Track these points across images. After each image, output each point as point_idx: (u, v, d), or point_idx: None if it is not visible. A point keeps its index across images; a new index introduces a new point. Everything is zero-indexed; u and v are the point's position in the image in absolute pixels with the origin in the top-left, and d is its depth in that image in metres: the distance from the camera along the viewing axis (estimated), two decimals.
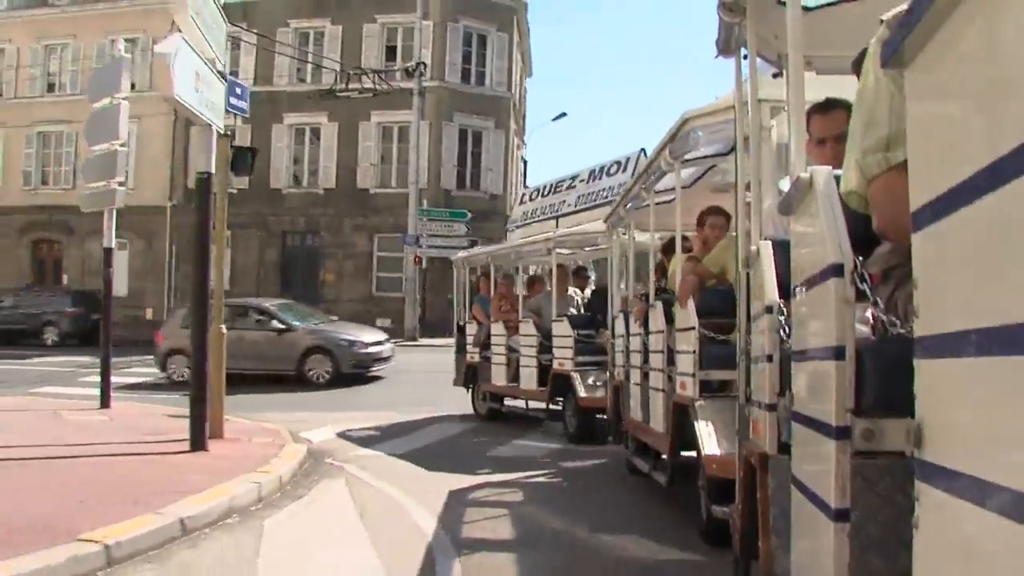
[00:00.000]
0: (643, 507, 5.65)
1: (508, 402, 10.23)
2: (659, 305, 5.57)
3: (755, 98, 3.16)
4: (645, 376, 5.95)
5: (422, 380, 13.20)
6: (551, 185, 12.81)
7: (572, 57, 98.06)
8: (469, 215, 24.44)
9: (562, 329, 8.66)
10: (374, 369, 14.50)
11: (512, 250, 11.19)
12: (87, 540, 3.93)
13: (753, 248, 2.83)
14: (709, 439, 4.47)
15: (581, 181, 11.74)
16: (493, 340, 10.16)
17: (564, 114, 47.83)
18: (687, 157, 5.30)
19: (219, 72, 7.07)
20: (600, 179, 11.16)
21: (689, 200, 5.88)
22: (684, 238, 5.80)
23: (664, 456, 5.38)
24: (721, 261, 4.96)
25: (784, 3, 2.40)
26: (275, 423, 8.70)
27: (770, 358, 2.45)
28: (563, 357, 8.58)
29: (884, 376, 1.56)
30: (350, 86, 22.26)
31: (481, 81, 27.19)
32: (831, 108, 2.64)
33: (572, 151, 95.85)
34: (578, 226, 10.05)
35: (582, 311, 9.82)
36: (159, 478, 5.60)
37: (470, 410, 10.59)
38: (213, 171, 6.97)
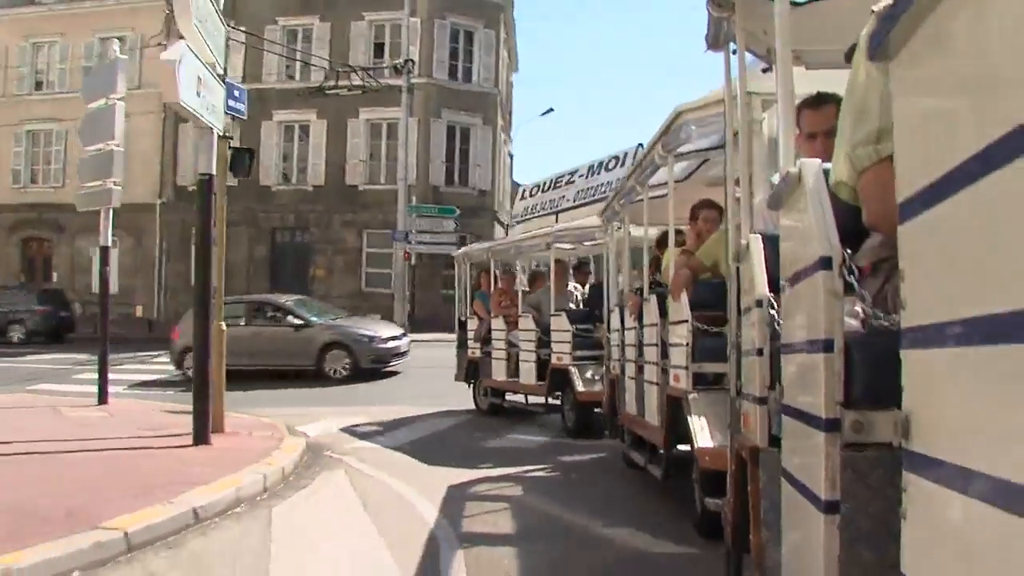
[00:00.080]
0: (639, 500, 5.67)
1: (509, 397, 10.25)
2: (653, 298, 5.57)
3: (744, 93, 3.17)
4: (640, 370, 5.95)
5: (437, 375, 13.12)
6: (551, 180, 12.82)
7: (557, 52, 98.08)
8: (458, 211, 24.47)
9: (560, 324, 8.68)
10: (392, 364, 14.54)
11: (511, 245, 11.19)
12: (108, 528, 4.15)
13: (743, 242, 2.84)
14: (702, 432, 4.48)
15: (580, 176, 11.75)
16: (493, 335, 10.17)
17: (551, 109, 47.93)
18: (681, 151, 5.30)
19: (219, 75, 7.20)
20: (598, 174, 11.17)
21: (684, 194, 5.88)
22: (679, 232, 5.81)
23: (659, 449, 5.39)
24: (714, 254, 4.96)
25: None
26: (293, 416, 8.94)
27: (760, 352, 2.46)
28: (561, 352, 8.60)
29: (873, 368, 1.57)
30: (339, 83, 22.24)
31: (468, 78, 27.26)
32: (821, 103, 2.65)
33: (559, 146, 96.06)
34: (576, 221, 10.06)
35: (582, 306, 9.81)
36: (167, 470, 5.77)
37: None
38: (214, 172, 7.11)
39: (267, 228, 26.75)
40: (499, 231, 28.92)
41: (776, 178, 2.82)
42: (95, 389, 9.62)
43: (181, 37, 6.40)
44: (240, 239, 26.23)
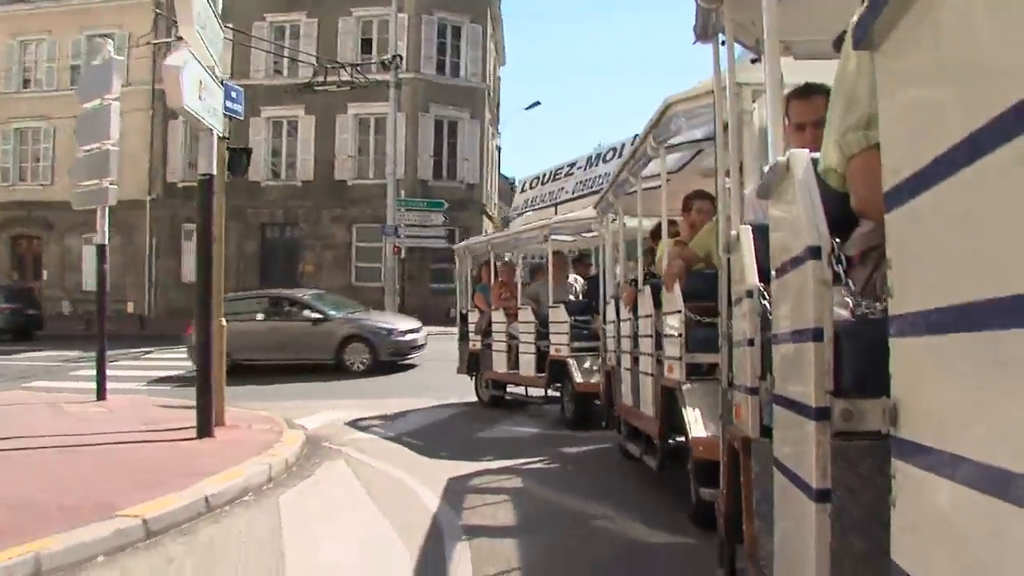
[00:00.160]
0: (635, 491, 5.69)
1: (510, 389, 10.29)
2: (647, 290, 5.58)
3: (733, 84, 3.17)
4: (635, 361, 5.97)
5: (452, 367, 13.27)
6: (550, 173, 12.85)
7: (545, 45, 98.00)
8: (446, 205, 24.51)
9: (558, 315, 8.70)
10: (410, 357, 14.64)
11: (510, 237, 11.23)
12: (127, 515, 4.37)
13: (733, 233, 2.84)
14: (696, 422, 4.49)
15: (579, 168, 11.77)
16: (494, 328, 10.20)
17: (538, 103, 47.78)
18: (674, 142, 5.30)
19: (217, 78, 7.31)
20: (596, 166, 11.18)
21: (679, 185, 5.89)
22: (673, 223, 5.81)
23: (654, 440, 5.41)
24: (707, 245, 4.97)
25: None
26: (291, 409, 9.12)
27: (751, 342, 2.46)
28: (559, 343, 8.61)
29: (862, 357, 1.57)
30: (328, 80, 22.21)
31: (456, 72, 27.31)
32: (810, 93, 2.64)
33: (546, 139, 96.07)
34: (573, 213, 10.07)
35: (581, 297, 9.83)
36: (175, 462, 5.95)
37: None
38: (214, 173, 7.24)
39: (256, 224, 26.69)
40: (487, 224, 28.98)
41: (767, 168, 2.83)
42: (91, 385, 9.68)
43: (179, 37, 6.56)
44: (229, 235, 25.90)
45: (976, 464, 0.87)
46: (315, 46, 25.62)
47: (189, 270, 27.44)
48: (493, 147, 32.83)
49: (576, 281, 10.29)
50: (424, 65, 26.46)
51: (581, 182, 11.46)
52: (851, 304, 1.75)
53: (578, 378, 8.24)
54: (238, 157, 8.28)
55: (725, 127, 3.26)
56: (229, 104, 7.89)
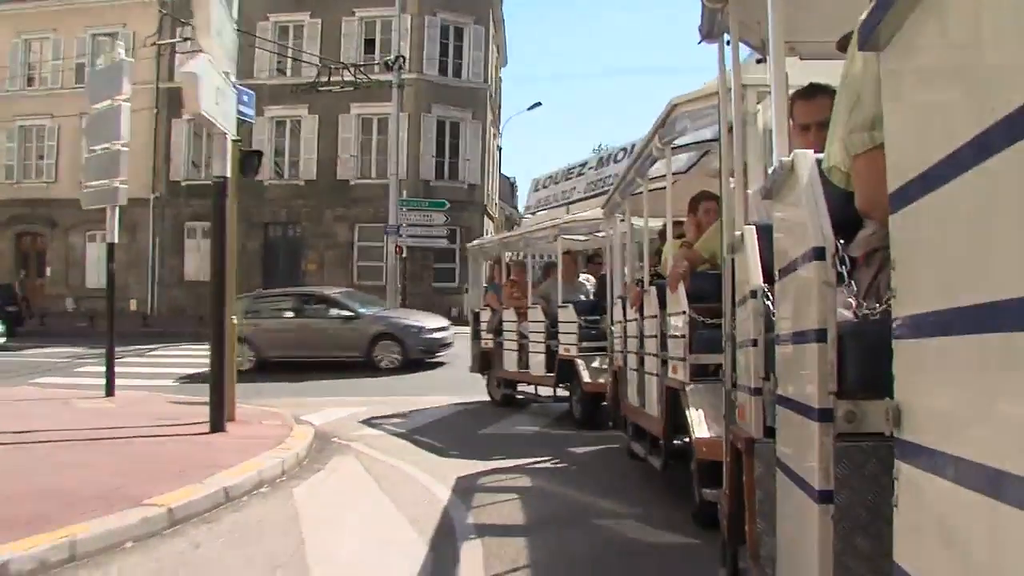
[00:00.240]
0: (640, 491, 5.71)
1: (521, 387, 10.33)
2: (653, 290, 5.57)
3: (738, 83, 3.16)
4: (641, 361, 5.97)
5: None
6: (562, 172, 12.92)
7: (545, 45, 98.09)
8: (448, 204, 24.54)
9: (567, 315, 8.70)
10: (439, 354, 14.70)
11: (521, 237, 11.27)
12: (152, 504, 4.58)
13: (737, 233, 2.84)
14: (699, 423, 4.49)
15: (590, 168, 11.85)
16: (505, 326, 10.22)
17: (539, 103, 47.83)
18: (682, 142, 5.31)
19: (231, 83, 7.44)
20: (607, 166, 11.23)
21: (687, 186, 5.90)
22: (679, 223, 5.81)
23: (659, 440, 5.41)
24: (712, 246, 4.96)
25: None
26: (299, 406, 9.26)
27: (755, 342, 2.46)
28: (568, 343, 8.62)
29: (866, 358, 1.57)
30: (331, 80, 22.26)
31: (458, 73, 27.37)
32: (815, 94, 2.64)
33: (547, 138, 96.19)
34: (583, 212, 10.08)
35: (592, 297, 9.85)
36: (191, 455, 6.14)
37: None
38: (229, 175, 7.41)
39: (259, 223, 26.73)
40: (488, 224, 29.10)
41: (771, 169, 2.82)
42: (97, 381, 9.79)
43: (187, 39, 6.69)
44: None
45: (979, 466, 0.87)
46: (319, 46, 25.67)
47: (192, 268, 27.57)
48: (494, 147, 32.90)
49: (588, 281, 10.29)
50: (427, 66, 26.51)
51: (592, 182, 11.53)
52: (854, 305, 1.75)
53: (586, 378, 8.24)
54: (250, 159, 8.44)
55: (730, 128, 3.25)
56: (241, 107, 8.02)
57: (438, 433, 8.20)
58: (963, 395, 0.94)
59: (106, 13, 27.49)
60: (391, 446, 7.46)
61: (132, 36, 25.88)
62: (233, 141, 7.58)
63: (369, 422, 8.84)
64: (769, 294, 2.37)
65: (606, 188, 10.40)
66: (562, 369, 8.75)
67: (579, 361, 8.36)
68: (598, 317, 8.60)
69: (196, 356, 16.49)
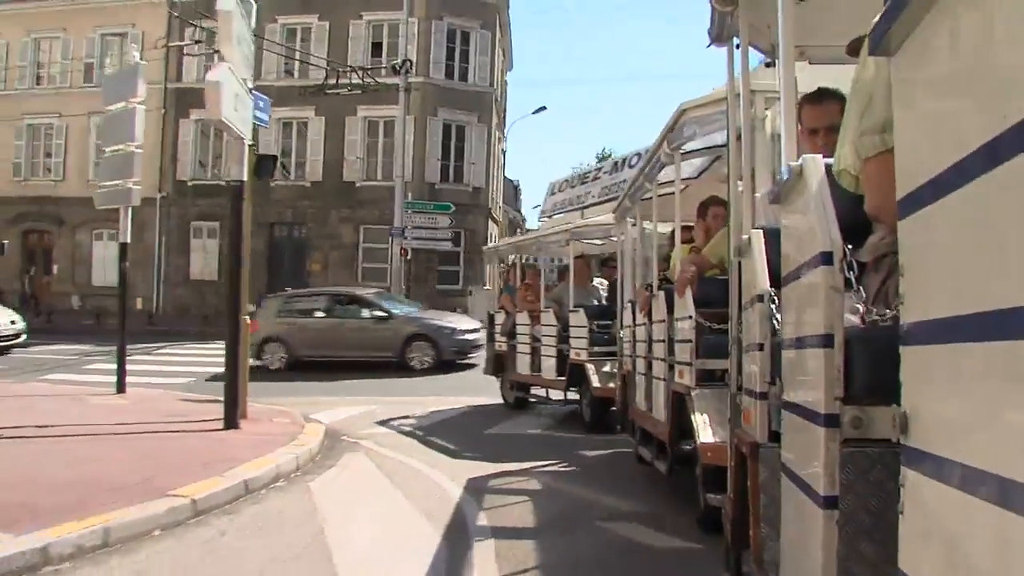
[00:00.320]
0: (646, 495, 5.72)
1: (534, 391, 10.34)
2: (661, 295, 5.57)
3: (747, 87, 3.16)
4: (649, 365, 5.97)
5: None
6: (577, 177, 13.01)
7: (550, 48, 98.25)
8: (452, 207, 24.62)
9: (578, 319, 8.71)
10: (471, 355, 14.74)
11: (535, 240, 11.30)
12: (177, 495, 4.79)
13: (745, 237, 2.83)
14: (704, 428, 4.48)
15: (605, 173, 11.91)
16: (518, 330, 10.26)
17: (544, 108, 48.07)
18: (693, 147, 5.30)
19: (248, 89, 7.64)
20: (622, 170, 11.26)
21: (699, 191, 5.92)
22: (689, 228, 5.80)
23: (666, 445, 5.41)
24: (721, 251, 4.94)
25: None
26: (309, 405, 9.42)
27: (761, 347, 2.46)
28: (579, 347, 8.63)
29: (872, 364, 1.56)
30: (339, 83, 22.36)
31: (464, 77, 27.48)
32: (823, 98, 2.64)
33: (551, 142, 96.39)
34: (596, 217, 10.12)
35: (604, 302, 9.85)
36: (208, 450, 6.31)
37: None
38: (245, 179, 7.59)
39: (265, 223, 26.78)
40: (492, 227, 29.16)
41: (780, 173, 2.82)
42: (107, 379, 9.90)
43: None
44: None
45: (986, 474, 0.86)
46: (326, 49, 25.77)
47: (197, 267, 27.68)
48: (499, 151, 32.99)
49: (601, 285, 10.30)
50: (433, 70, 26.63)
51: (606, 186, 11.58)
52: (862, 310, 1.75)
53: (596, 382, 8.24)
54: (265, 163, 8.65)
55: (738, 135, 3.25)
56: (257, 113, 8.20)
57: (448, 433, 8.27)
58: (971, 403, 0.93)
59: (115, 13, 27.63)
60: (401, 444, 7.61)
61: (141, 36, 25.97)
62: (249, 146, 7.73)
63: (378, 421, 8.94)
64: (776, 298, 2.37)
65: (620, 193, 10.41)
66: (573, 373, 8.77)
67: (589, 365, 8.37)
68: (609, 322, 8.58)
69: (203, 355, 16.63)
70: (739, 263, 2.97)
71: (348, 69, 22.68)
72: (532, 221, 50.01)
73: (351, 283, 25.67)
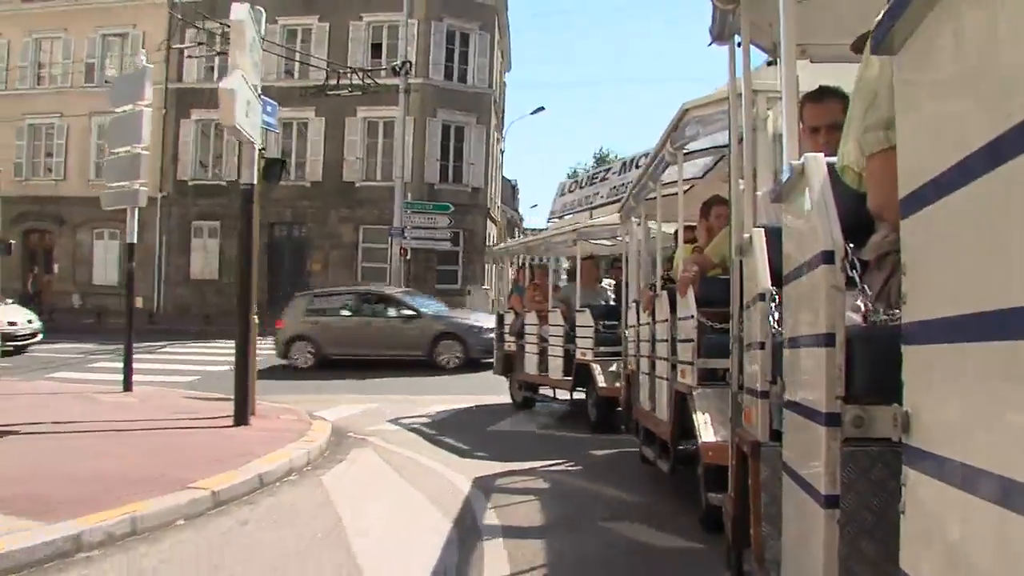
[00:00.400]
0: (649, 495, 5.73)
1: (542, 391, 10.38)
2: (664, 295, 5.57)
3: (749, 85, 3.15)
4: (652, 365, 5.97)
5: None
6: (586, 177, 13.04)
7: (548, 49, 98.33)
8: (452, 207, 24.73)
9: (584, 319, 8.73)
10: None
11: (542, 241, 11.35)
12: (197, 487, 5.00)
13: (746, 236, 2.83)
14: (706, 427, 4.48)
15: (613, 173, 11.94)
16: (526, 330, 10.29)
17: (542, 108, 47.92)
18: (694, 147, 5.30)
19: (259, 95, 7.81)
20: (630, 171, 11.27)
21: (705, 191, 5.92)
22: (692, 228, 5.80)
23: (668, 444, 5.41)
24: (723, 250, 4.93)
25: None
26: (313, 403, 9.53)
27: (762, 346, 2.45)
28: (585, 347, 8.64)
29: (874, 363, 1.56)
30: (339, 84, 22.40)
31: (464, 78, 27.58)
32: (824, 97, 2.64)
33: (548, 141, 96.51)
34: (603, 217, 10.13)
35: (612, 302, 9.85)
36: (222, 445, 6.50)
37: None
38: (255, 183, 7.76)
39: (265, 223, 26.75)
40: (491, 227, 29.24)
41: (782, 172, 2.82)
42: (112, 377, 10.06)
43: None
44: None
45: (988, 474, 0.86)
46: (326, 50, 25.83)
47: (198, 267, 27.72)
48: (497, 151, 33.09)
49: (609, 286, 10.32)
50: (433, 71, 26.72)
51: (615, 187, 11.60)
52: (863, 309, 1.75)
53: (601, 382, 8.24)
54: (273, 167, 8.83)
55: (740, 132, 3.25)
56: (266, 118, 8.34)
57: (453, 431, 8.37)
58: (973, 402, 0.93)
59: (116, 14, 27.69)
60: (408, 440, 7.76)
61: (142, 36, 26.09)
62: (259, 150, 7.91)
63: (382, 418, 9.03)
64: (777, 297, 2.37)
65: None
66: (579, 373, 8.79)
67: (595, 365, 8.38)
68: (615, 322, 8.58)
69: (205, 353, 16.69)
70: (740, 262, 2.97)
71: (348, 70, 22.73)
72: (530, 220, 50.12)
73: (351, 283, 25.74)
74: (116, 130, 10.04)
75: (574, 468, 6.81)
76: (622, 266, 10.80)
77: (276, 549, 4.27)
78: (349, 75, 22.65)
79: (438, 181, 26.82)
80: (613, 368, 8.24)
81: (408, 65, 23.23)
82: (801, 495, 1.81)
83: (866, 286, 1.71)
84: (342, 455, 6.88)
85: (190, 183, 27.67)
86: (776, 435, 2.27)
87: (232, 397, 7.68)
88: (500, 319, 11.68)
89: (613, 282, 10.32)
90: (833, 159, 1.93)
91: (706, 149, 5.62)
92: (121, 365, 9.93)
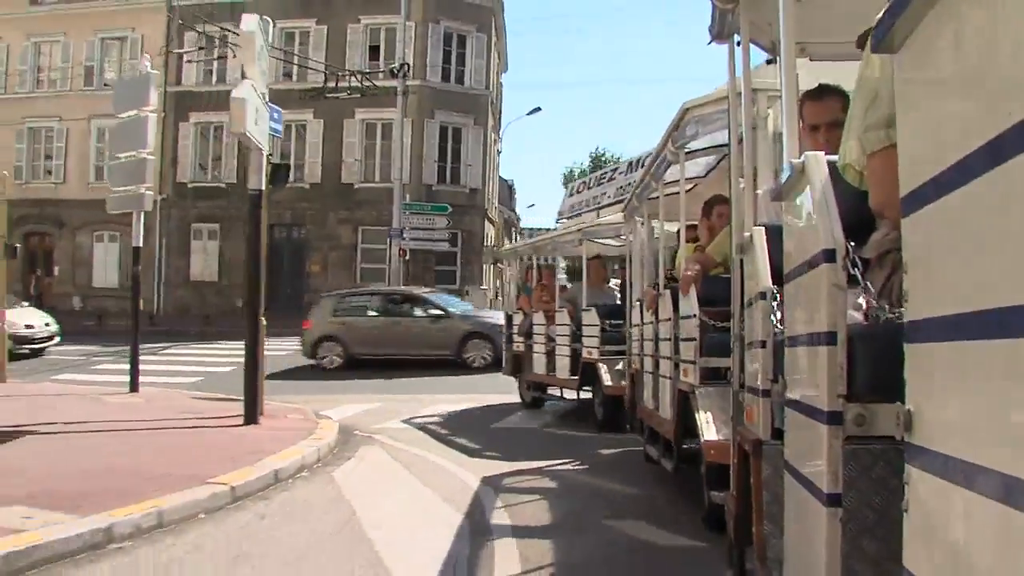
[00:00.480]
0: (654, 494, 5.74)
1: (550, 390, 10.41)
2: (667, 293, 5.57)
3: (748, 84, 3.16)
4: (656, 364, 5.97)
5: None
6: (593, 178, 13.10)
7: (544, 50, 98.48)
8: (450, 208, 24.83)
9: (590, 319, 8.73)
10: None
11: (549, 241, 11.36)
12: (216, 483, 5.16)
13: (747, 234, 2.83)
14: (708, 425, 4.48)
15: (620, 173, 11.97)
16: (534, 330, 10.31)
17: (538, 108, 47.98)
18: (696, 146, 5.30)
19: (267, 103, 7.98)
20: (636, 171, 11.27)
21: (708, 190, 5.92)
22: (694, 227, 5.80)
23: (672, 443, 5.41)
24: (725, 249, 4.92)
25: None
26: (316, 402, 9.67)
27: (764, 344, 2.45)
28: (591, 346, 8.65)
29: (876, 361, 1.56)
30: (338, 86, 22.45)
31: (461, 80, 27.68)
32: (824, 95, 2.64)
33: (545, 140, 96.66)
34: (608, 217, 10.15)
35: (618, 302, 9.84)
36: (234, 444, 6.63)
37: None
38: (263, 188, 7.95)
39: (264, 224, 26.86)
40: (489, 228, 29.33)
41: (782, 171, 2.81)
42: (116, 378, 10.07)
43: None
44: (239, 235, 26.32)
45: (991, 472, 0.86)
46: (324, 53, 25.89)
47: (197, 269, 27.74)
48: (495, 152, 33.15)
49: (617, 286, 10.32)
50: (430, 73, 26.83)
51: (621, 187, 11.63)
52: (865, 307, 1.75)
53: (607, 381, 8.24)
54: (279, 171, 8.93)
55: (740, 131, 3.25)
56: (272, 124, 8.50)
57: (461, 430, 8.45)
58: (975, 400, 0.93)
59: (116, 17, 27.73)
60: (415, 439, 7.88)
61: (141, 40, 26.10)
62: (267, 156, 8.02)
63: (387, 418, 9.11)
64: (778, 296, 2.37)
65: None
66: (585, 372, 8.80)
67: (601, 364, 8.40)
68: (621, 321, 8.59)
69: (207, 354, 16.72)
70: (741, 261, 2.97)
71: (346, 72, 22.76)
72: (527, 220, 50.12)
73: (350, 283, 25.76)
74: (121, 135, 10.15)
75: (578, 467, 6.83)
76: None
77: (295, 540, 4.43)
78: (347, 77, 22.69)
79: (436, 182, 26.90)
80: (619, 367, 8.24)
81: (406, 67, 23.28)
82: (803, 493, 1.81)
83: (868, 284, 1.71)
84: (350, 452, 7.00)
85: (189, 185, 27.71)
86: (778, 434, 2.27)
87: (238, 397, 7.73)
88: (509, 319, 11.70)
89: (620, 281, 10.35)
90: (833, 157, 1.93)
91: (708, 148, 5.62)
92: (124, 367, 9.95)
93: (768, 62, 3.47)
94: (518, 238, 37.22)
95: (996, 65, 0.86)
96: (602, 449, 7.57)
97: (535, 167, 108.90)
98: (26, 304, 17.62)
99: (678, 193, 5.91)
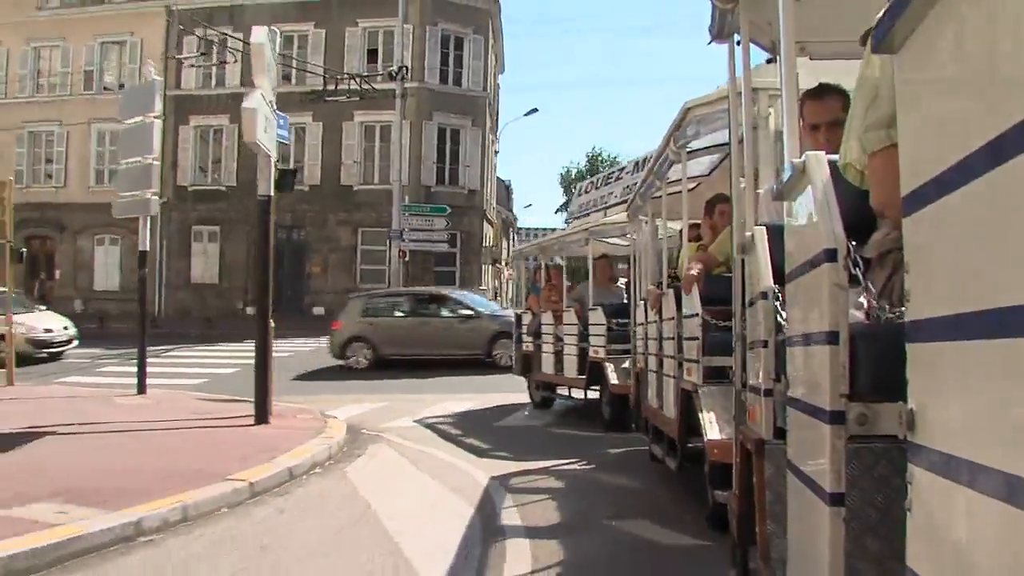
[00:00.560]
0: (658, 493, 5.75)
1: (558, 390, 10.43)
2: (671, 293, 5.57)
3: (749, 83, 3.16)
4: (660, 363, 5.97)
5: None
6: (601, 178, 13.18)
7: (541, 53, 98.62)
8: (448, 210, 24.93)
9: (596, 318, 8.75)
10: None
11: (556, 241, 11.47)
12: (235, 479, 5.36)
13: (748, 234, 2.83)
14: (711, 425, 4.48)
15: (627, 173, 12.00)
16: (543, 330, 10.34)
17: (535, 110, 48.14)
18: (698, 145, 5.30)
19: (275, 111, 8.22)
20: (643, 170, 11.27)
21: (711, 189, 5.92)
22: (697, 226, 5.80)
23: (676, 442, 5.41)
24: (727, 248, 4.90)
25: None
26: (322, 402, 9.78)
27: (766, 344, 2.45)
28: (597, 345, 8.66)
29: (878, 360, 1.56)
30: (337, 89, 22.51)
31: (458, 82, 27.81)
32: (824, 94, 2.64)
33: (542, 141, 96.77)
34: (614, 216, 10.16)
35: (625, 301, 9.85)
36: (247, 443, 6.80)
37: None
38: (271, 194, 8.11)
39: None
40: (487, 228, 29.46)
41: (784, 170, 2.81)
42: (123, 380, 10.20)
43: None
44: (239, 237, 26.45)
45: (994, 471, 0.86)
46: (323, 56, 26.03)
47: (198, 271, 27.80)
48: (492, 153, 33.22)
49: (626, 285, 10.31)
50: (428, 75, 26.96)
51: (628, 186, 11.63)
52: (866, 306, 1.75)
53: (614, 380, 8.26)
54: (286, 176, 9.10)
55: (741, 131, 3.25)
56: (279, 131, 8.67)
57: (468, 429, 8.53)
58: (978, 399, 0.93)
59: (115, 21, 27.82)
60: (423, 437, 8.03)
61: (140, 44, 26.14)
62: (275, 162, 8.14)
63: (393, 417, 9.20)
64: (780, 295, 2.37)
65: None
66: (592, 371, 8.82)
67: (608, 363, 8.41)
68: (628, 320, 8.60)
69: (209, 356, 16.74)
70: (743, 260, 2.97)
71: (345, 76, 22.81)
72: (524, 220, 50.15)
73: (350, 285, 25.79)
74: (127, 141, 10.32)
75: (584, 466, 6.86)
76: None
77: (315, 531, 4.64)
78: (346, 80, 22.74)
79: (435, 183, 27.03)
80: (625, 366, 8.25)
81: (404, 70, 23.35)
82: (806, 493, 1.81)
83: (869, 283, 1.71)
84: (360, 450, 7.17)
85: (189, 188, 27.77)
86: (780, 433, 2.27)
87: (244, 399, 7.84)
88: (518, 319, 11.75)
89: (627, 280, 10.36)
90: (834, 157, 1.93)
91: (711, 147, 5.62)
92: (128, 369, 10.07)
93: (768, 61, 3.47)
94: (515, 238, 37.24)
95: (996, 65, 0.87)
96: (609, 448, 7.60)
97: (532, 167, 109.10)
98: (43, 308, 17.65)
99: (680, 192, 5.91)
